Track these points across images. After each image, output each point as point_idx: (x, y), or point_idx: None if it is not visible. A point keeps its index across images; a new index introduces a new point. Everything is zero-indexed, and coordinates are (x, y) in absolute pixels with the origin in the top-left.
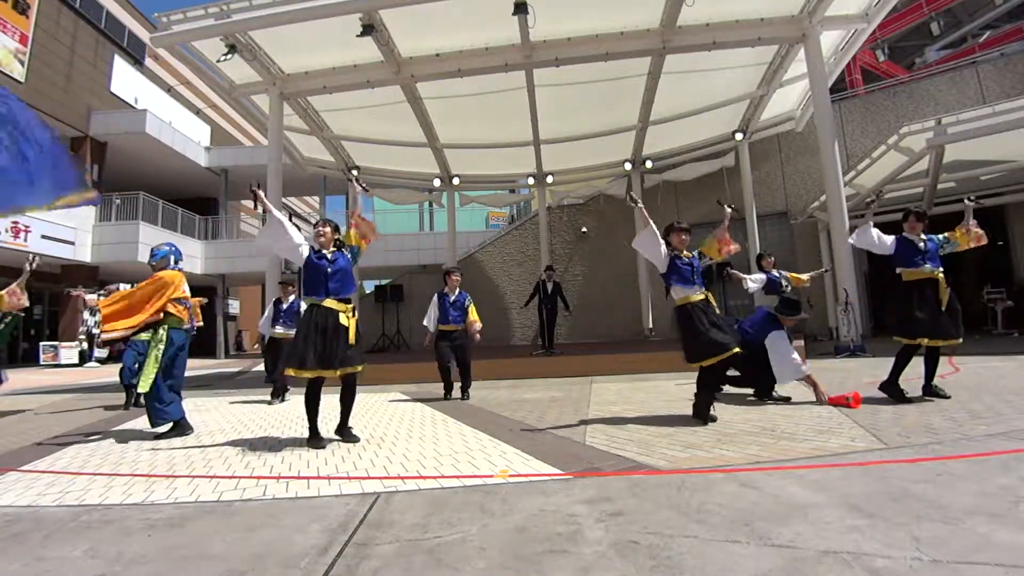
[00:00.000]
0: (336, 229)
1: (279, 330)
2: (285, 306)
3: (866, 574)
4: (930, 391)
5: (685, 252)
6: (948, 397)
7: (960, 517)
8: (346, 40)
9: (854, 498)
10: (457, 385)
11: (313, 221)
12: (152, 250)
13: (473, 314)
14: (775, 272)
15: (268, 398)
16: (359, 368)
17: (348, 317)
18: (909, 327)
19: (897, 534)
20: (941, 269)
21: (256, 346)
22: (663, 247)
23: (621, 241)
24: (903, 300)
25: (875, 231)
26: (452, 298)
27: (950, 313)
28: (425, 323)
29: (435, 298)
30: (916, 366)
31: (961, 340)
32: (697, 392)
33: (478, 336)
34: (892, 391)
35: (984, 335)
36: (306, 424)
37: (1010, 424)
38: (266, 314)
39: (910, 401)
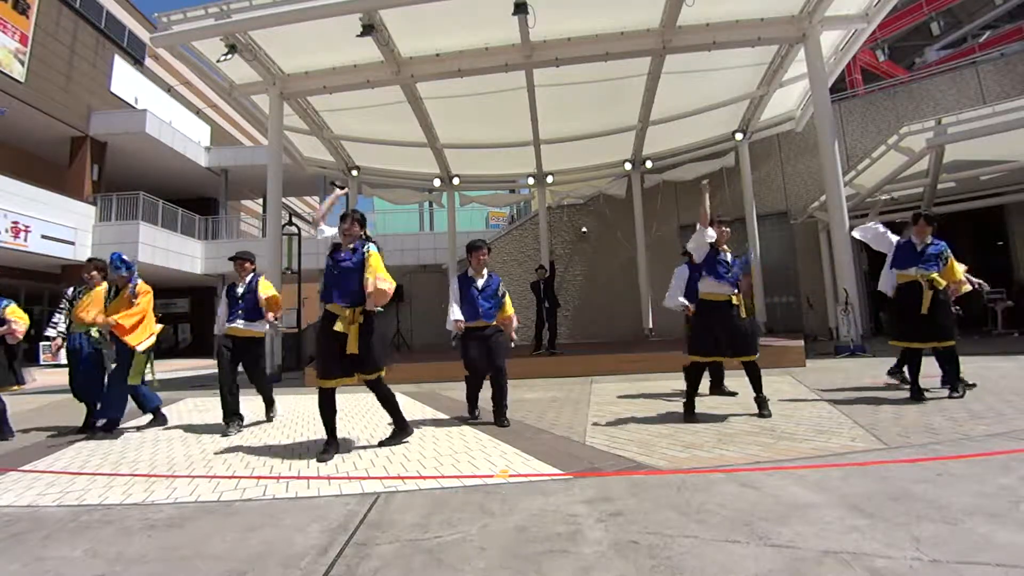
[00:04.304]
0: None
1: (240, 325)
2: (241, 290)
3: (866, 574)
4: (954, 388)
5: (725, 247)
6: (969, 390)
7: (960, 517)
8: (346, 40)
9: (854, 498)
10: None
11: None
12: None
13: (509, 308)
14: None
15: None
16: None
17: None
18: (896, 329)
19: (897, 534)
20: (934, 273)
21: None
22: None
23: (621, 241)
24: (893, 302)
25: (882, 226)
26: (480, 283)
27: (940, 316)
28: (453, 317)
29: (454, 285)
30: (926, 367)
31: (938, 344)
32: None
33: (515, 336)
34: (913, 393)
35: (984, 335)
36: (305, 424)
37: (1011, 424)
38: (223, 306)
39: (924, 400)
